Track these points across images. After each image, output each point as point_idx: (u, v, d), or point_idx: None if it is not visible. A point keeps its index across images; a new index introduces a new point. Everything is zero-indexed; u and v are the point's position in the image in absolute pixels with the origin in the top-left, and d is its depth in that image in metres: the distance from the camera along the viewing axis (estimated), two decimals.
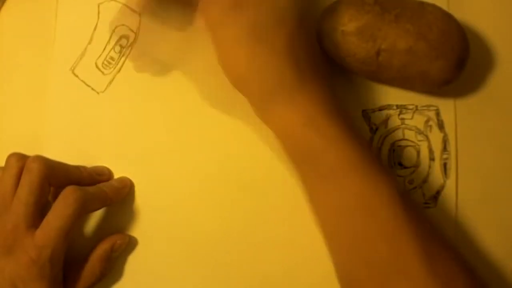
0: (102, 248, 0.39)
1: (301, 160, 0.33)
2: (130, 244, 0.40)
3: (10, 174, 0.38)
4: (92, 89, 0.42)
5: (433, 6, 0.35)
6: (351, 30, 0.34)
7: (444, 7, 0.35)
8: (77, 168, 0.40)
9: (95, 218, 0.41)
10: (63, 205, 0.36)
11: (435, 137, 0.38)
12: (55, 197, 0.37)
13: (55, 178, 0.38)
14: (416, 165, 0.37)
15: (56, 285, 0.36)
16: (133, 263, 0.40)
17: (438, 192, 0.37)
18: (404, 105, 0.38)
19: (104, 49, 0.43)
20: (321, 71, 0.34)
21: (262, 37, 0.32)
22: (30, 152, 0.41)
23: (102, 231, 0.40)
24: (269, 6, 0.32)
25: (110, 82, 0.42)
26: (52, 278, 0.36)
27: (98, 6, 0.43)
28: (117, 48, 0.43)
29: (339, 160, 0.31)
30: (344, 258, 0.32)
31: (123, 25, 0.43)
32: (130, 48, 0.42)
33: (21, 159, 0.38)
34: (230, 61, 0.33)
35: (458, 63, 0.34)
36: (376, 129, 0.38)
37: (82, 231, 0.41)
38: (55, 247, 0.35)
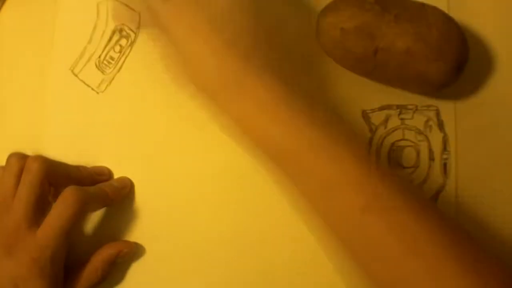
0: (107, 252, 0.38)
1: (266, 149, 0.33)
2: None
3: (10, 174, 0.38)
4: (92, 89, 0.42)
5: (434, 8, 0.35)
6: (350, 27, 0.34)
7: (445, 9, 0.35)
8: (77, 168, 0.40)
9: (95, 218, 0.41)
10: (64, 205, 0.36)
11: (435, 137, 0.38)
12: (56, 197, 0.37)
13: (56, 177, 0.38)
14: (416, 165, 0.37)
15: (57, 285, 0.36)
16: (134, 264, 0.40)
17: (438, 192, 0.37)
18: (404, 105, 0.38)
19: (104, 49, 0.43)
20: (271, 59, 0.33)
21: (205, 30, 0.32)
22: (30, 152, 0.41)
23: (103, 231, 0.40)
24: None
25: (110, 82, 0.42)
26: (52, 278, 0.36)
27: (98, 6, 0.43)
28: (117, 48, 0.43)
29: (297, 145, 0.31)
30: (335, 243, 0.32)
31: (123, 25, 0.43)
32: (130, 48, 0.42)
33: (21, 158, 0.38)
34: (179, 62, 0.34)
35: (457, 66, 0.34)
36: (376, 129, 0.38)
37: (82, 231, 0.41)
38: (56, 247, 0.35)
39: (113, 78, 0.42)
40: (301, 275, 0.37)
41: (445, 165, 0.37)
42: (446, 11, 0.35)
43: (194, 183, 0.40)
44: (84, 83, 0.43)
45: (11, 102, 0.44)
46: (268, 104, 0.31)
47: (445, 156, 0.37)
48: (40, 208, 0.37)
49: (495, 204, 0.36)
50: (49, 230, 0.35)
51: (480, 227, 0.36)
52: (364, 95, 0.38)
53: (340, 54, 0.35)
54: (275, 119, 0.31)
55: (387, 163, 0.38)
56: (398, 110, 0.38)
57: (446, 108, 0.38)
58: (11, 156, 0.39)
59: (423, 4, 0.35)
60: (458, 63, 0.34)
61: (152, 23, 0.35)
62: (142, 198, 0.40)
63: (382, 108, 0.38)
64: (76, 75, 0.43)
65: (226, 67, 0.32)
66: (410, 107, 0.38)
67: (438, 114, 0.38)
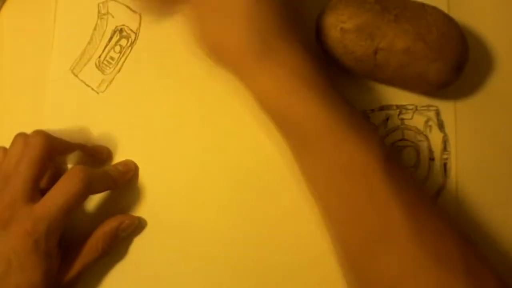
0: (108, 225, 0.38)
1: (282, 127, 0.33)
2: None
3: (15, 151, 0.37)
4: (92, 89, 0.43)
5: (434, 8, 0.35)
6: (350, 27, 0.34)
7: (445, 9, 0.35)
8: (78, 145, 0.40)
9: (97, 200, 0.41)
10: (69, 182, 0.35)
11: (435, 137, 0.38)
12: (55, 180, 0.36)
13: (55, 153, 0.38)
14: (416, 165, 0.37)
15: (51, 261, 0.36)
16: (137, 245, 0.40)
17: (438, 192, 0.37)
18: (404, 105, 0.38)
19: (104, 49, 0.43)
20: (293, 38, 0.33)
21: (228, 8, 0.33)
22: None
23: (104, 216, 0.40)
24: None
25: (110, 82, 0.42)
26: (46, 253, 0.35)
27: (98, 6, 0.43)
28: (117, 48, 0.43)
29: (317, 128, 0.31)
30: (337, 229, 0.32)
31: (123, 25, 0.43)
32: (130, 48, 0.42)
33: (27, 137, 0.38)
34: (203, 32, 0.34)
35: (456, 66, 0.34)
36: (376, 129, 0.38)
37: (85, 213, 0.41)
38: (52, 222, 0.35)
39: (113, 78, 0.42)
40: (303, 270, 0.37)
41: (445, 165, 0.37)
42: (446, 11, 0.35)
43: (194, 183, 0.40)
44: (84, 83, 0.43)
45: (11, 102, 0.44)
46: (289, 82, 0.32)
47: (445, 156, 0.37)
48: (38, 183, 0.36)
49: (495, 204, 0.36)
50: (49, 205, 0.35)
51: (480, 227, 0.36)
52: (364, 95, 0.38)
53: (340, 54, 0.35)
54: (294, 98, 0.31)
55: None
56: (398, 110, 0.38)
57: (446, 108, 0.38)
58: (18, 135, 0.38)
59: (423, 4, 0.35)
60: (458, 63, 0.34)
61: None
62: (143, 195, 0.40)
63: (382, 108, 0.38)
64: (76, 75, 0.43)
65: (248, 41, 0.32)
66: (409, 107, 0.38)
67: (438, 114, 0.38)
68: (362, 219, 0.30)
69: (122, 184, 0.40)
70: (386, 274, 0.29)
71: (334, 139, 0.31)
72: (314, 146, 0.32)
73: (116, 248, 0.39)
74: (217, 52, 0.34)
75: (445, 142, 0.37)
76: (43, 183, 0.39)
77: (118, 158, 0.41)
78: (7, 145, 0.39)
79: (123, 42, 0.43)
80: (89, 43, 0.43)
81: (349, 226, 0.31)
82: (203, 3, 0.34)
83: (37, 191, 0.36)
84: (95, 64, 0.43)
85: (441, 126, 0.38)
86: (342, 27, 0.34)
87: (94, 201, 0.41)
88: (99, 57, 0.43)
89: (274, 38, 0.32)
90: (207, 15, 0.34)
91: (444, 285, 0.28)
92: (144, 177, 0.41)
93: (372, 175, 0.30)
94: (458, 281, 0.28)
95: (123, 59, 0.42)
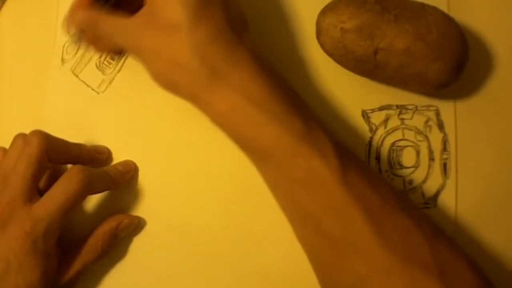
0: (108, 224, 0.38)
1: (239, 144, 0.34)
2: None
3: (15, 151, 0.37)
4: (93, 89, 0.43)
5: (434, 8, 0.35)
6: (350, 27, 0.34)
7: (445, 9, 0.35)
8: (77, 145, 0.40)
9: (96, 201, 0.41)
10: (68, 182, 0.35)
11: (435, 137, 0.38)
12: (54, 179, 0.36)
13: (54, 153, 0.37)
14: (416, 165, 0.37)
15: (50, 262, 0.36)
16: (136, 244, 0.40)
17: (438, 192, 0.37)
18: (404, 105, 0.38)
19: None
20: (241, 57, 0.33)
21: (169, 45, 0.33)
22: None
23: (103, 216, 0.40)
24: None
25: (110, 83, 0.42)
26: (45, 254, 0.35)
27: None
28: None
29: (270, 145, 0.32)
30: (302, 239, 0.33)
31: None
32: None
33: (26, 137, 0.38)
34: (154, 73, 0.35)
35: (456, 66, 0.34)
36: (376, 129, 0.38)
37: (84, 213, 0.41)
38: (51, 222, 0.35)
39: (113, 79, 0.42)
40: (301, 269, 0.37)
41: (445, 165, 0.37)
42: (446, 11, 0.35)
43: (194, 182, 0.40)
44: (85, 83, 0.43)
45: (11, 102, 0.44)
46: (242, 102, 0.32)
47: (445, 156, 0.37)
48: (37, 183, 0.36)
49: (495, 204, 0.36)
50: (48, 205, 0.35)
51: (480, 227, 0.36)
52: (364, 95, 0.38)
53: (340, 54, 0.35)
54: (248, 117, 0.32)
55: (387, 163, 0.38)
56: (398, 110, 0.38)
57: (446, 108, 0.38)
58: (18, 135, 0.38)
59: (423, 4, 0.35)
60: (458, 63, 0.34)
61: (119, 42, 0.36)
62: (142, 195, 0.40)
63: (382, 108, 0.38)
64: (76, 76, 0.43)
65: (195, 72, 0.32)
66: (410, 107, 0.38)
67: (438, 114, 0.38)
68: (324, 229, 0.31)
69: (122, 184, 0.40)
70: (353, 276, 0.30)
71: (289, 154, 0.31)
72: (270, 161, 0.32)
73: (115, 248, 0.39)
74: (172, 88, 0.34)
75: (445, 142, 0.37)
76: (42, 184, 0.39)
77: (118, 158, 0.41)
78: (7, 145, 0.39)
79: None
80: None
81: (312, 236, 0.32)
82: (146, 49, 0.34)
83: (35, 191, 0.36)
84: (96, 65, 0.43)
85: (441, 126, 0.38)
86: (342, 27, 0.34)
87: (93, 201, 0.41)
88: (100, 57, 0.43)
89: (220, 63, 0.32)
90: (153, 58, 0.34)
91: (414, 283, 0.28)
92: (144, 177, 0.41)
93: (330, 185, 0.30)
94: (428, 278, 0.28)
95: (123, 59, 0.42)
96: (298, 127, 0.32)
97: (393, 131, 0.38)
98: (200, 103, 0.34)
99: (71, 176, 0.36)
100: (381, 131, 0.38)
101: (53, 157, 0.37)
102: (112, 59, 0.43)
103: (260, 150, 0.32)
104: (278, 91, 0.33)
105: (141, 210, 0.40)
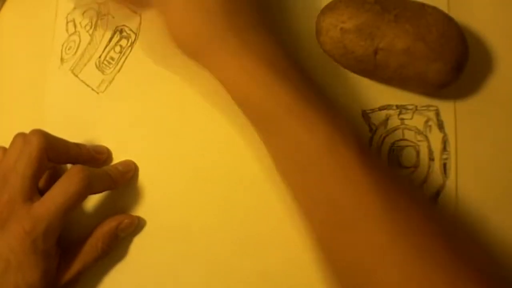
0: (108, 225, 0.38)
1: (245, 108, 0.33)
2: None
3: (14, 150, 0.37)
4: (92, 89, 0.43)
5: (434, 8, 0.35)
6: (350, 27, 0.34)
7: (445, 9, 0.35)
8: (77, 145, 0.40)
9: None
10: (68, 182, 0.35)
11: (435, 137, 0.38)
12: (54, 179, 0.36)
13: (54, 152, 0.37)
14: (416, 165, 0.37)
15: (49, 262, 0.36)
16: (136, 244, 0.40)
17: (438, 192, 0.37)
18: (404, 105, 0.38)
19: (104, 49, 0.43)
20: (262, 26, 0.34)
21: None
22: None
23: (103, 216, 0.40)
24: None
25: (110, 83, 0.42)
26: (45, 253, 0.35)
27: (99, 6, 0.43)
28: (117, 48, 0.43)
29: (278, 107, 0.31)
30: (307, 215, 0.32)
31: (123, 25, 0.43)
32: (130, 48, 0.43)
33: (26, 136, 0.38)
34: (179, 21, 0.34)
35: (456, 67, 0.34)
36: (376, 129, 0.38)
37: (84, 213, 0.41)
38: (51, 222, 0.35)
39: (113, 79, 0.42)
40: (300, 268, 0.37)
41: (445, 165, 0.37)
42: (446, 11, 0.35)
43: (194, 182, 0.40)
44: (85, 83, 0.43)
45: (11, 102, 0.44)
46: (251, 65, 0.32)
47: (445, 156, 0.37)
48: (36, 182, 0.36)
49: (495, 204, 0.36)
50: (48, 205, 0.35)
51: (480, 227, 0.36)
52: (364, 95, 0.38)
53: (340, 54, 0.35)
54: (255, 81, 0.32)
55: (387, 163, 0.38)
56: (398, 110, 0.38)
57: (446, 108, 0.38)
58: (17, 135, 0.38)
59: (423, 4, 0.35)
60: (458, 63, 0.34)
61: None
62: (142, 195, 0.40)
63: (382, 108, 0.38)
64: (76, 76, 0.43)
65: (212, 24, 0.32)
66: (409, 107, 0.38)
67: (438, 114, 0.38)
68: (334, 198, 0.30)
69: (122, 184, 0.40)
70: (361, 261, 0.29)
71: (292, 119, 0.31)
72: (273, 125, 0.32)
73: (115, 248, 0.39)
74: (189, 40, 0.34)
75: (444, 142, 0.37)
76: (42, 183, 0.39)
77: (118, 158, 0.41)
78: (7, 145, 0.39)
79: (123, 42, 0.43)
80: (89, 43, 0.43)
81: (321, 206, 0.30)
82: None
83: (35, 190, 0.36)
84: (95, 64, 0.43)
85: (441, 126, 0.38)
86: (342, 27, 0.34)
87: (93, 201, 0.41)
88: (99, 57, 0.43)
89: (244, 19, 0.33)
90: (184, 6, 0.34)
91: (426, 275, 0.28)
92: (144, 177, 0.41)
93: (348, 166, 0.30)
94: (438, 272, 0.27)
95: (123, 59, 0.42)
96: (311, 96, 0.31)
97: (393, 131, 0.38)
98: (211, 59, 0.33)
99: (71, 176, 0.36)
100: (381, 131, 0.38)
101: (52, 157, 0.37)
102: (112, 59, 0.43)
103: (268, 113, 0.32)
104: (296, 67, 0.33)
105: (141, 210, 0.40)
